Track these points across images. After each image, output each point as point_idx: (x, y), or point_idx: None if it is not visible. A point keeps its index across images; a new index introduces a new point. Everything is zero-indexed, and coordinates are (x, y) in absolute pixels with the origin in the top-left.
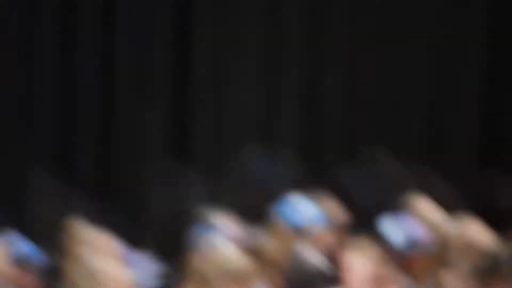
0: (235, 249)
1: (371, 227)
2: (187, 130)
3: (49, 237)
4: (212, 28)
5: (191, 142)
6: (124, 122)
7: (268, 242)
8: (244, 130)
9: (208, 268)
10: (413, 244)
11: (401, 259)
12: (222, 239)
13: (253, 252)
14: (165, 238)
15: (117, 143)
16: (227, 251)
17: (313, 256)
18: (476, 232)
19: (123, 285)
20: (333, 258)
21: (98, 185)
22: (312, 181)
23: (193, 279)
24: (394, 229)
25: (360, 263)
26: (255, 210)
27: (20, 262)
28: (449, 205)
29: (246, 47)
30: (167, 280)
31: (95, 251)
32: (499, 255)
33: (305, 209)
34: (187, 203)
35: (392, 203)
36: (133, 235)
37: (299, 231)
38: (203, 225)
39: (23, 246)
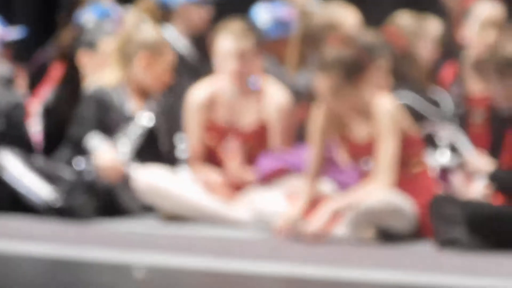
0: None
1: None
2: None
3: None
4: None
5: None
6: None
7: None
8: None
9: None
10: (278, 26)
11: (266, 40)
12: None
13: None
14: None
15: None
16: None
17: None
18: (347, 17)
19: None
20: (203, 38)
21: None
22: None
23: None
24: (263, 13)
25: (224, 41)
26: None
27: None
28: None
29: None
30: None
31: None
32: (369, 43)
33: None
34: None
35: None
36: None
37: (167, 8)
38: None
39: None
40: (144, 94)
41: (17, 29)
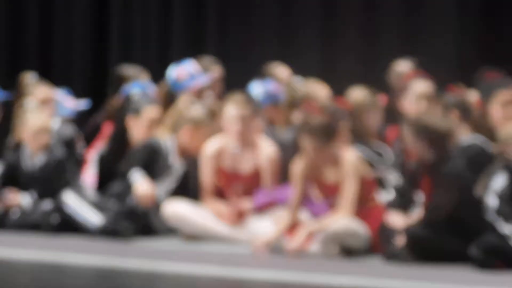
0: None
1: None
2: None
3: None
4: None
5: None
6: None
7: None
8: None
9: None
10: (269, 97)
11: (260, 107)
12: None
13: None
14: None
15: None
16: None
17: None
18: (319, 90)
19: (38, 128)
20: (214, 108)
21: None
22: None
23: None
24: (258, 87)
25: (229, 108)
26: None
27: None
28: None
29: None
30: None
31: (36, 100)
32: (335, 112)
33: (184, 67)
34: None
35: (260, 71)
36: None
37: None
38: (134, 82)
39: None
40: (184, 153)
41: (84, 101)
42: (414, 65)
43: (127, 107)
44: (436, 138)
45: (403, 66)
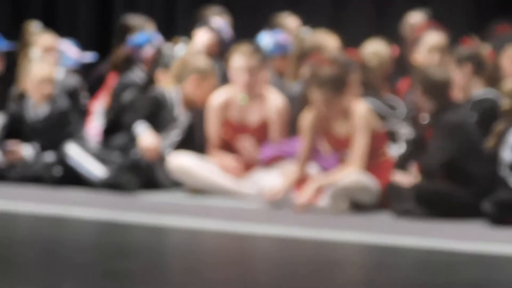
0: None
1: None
2: None
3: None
4: None
5: None
6: None
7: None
8: None
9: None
10: (277, 47)
11: (269, 58)
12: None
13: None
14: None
15: None
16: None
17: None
18: (329, 41)
19: (42, 78)
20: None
21: None
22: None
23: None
24: (267, 38)
25: (237, 59)
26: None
27: None
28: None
29: None
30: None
31: (40, 50)
32: (345, 63)
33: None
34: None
35: (269, 22)
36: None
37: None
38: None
39: None
40: (189, 104)
41: (91, 53)
42: (428, 16)
43: (158, 61)
44: (433, 88)
45: (416, 17)
